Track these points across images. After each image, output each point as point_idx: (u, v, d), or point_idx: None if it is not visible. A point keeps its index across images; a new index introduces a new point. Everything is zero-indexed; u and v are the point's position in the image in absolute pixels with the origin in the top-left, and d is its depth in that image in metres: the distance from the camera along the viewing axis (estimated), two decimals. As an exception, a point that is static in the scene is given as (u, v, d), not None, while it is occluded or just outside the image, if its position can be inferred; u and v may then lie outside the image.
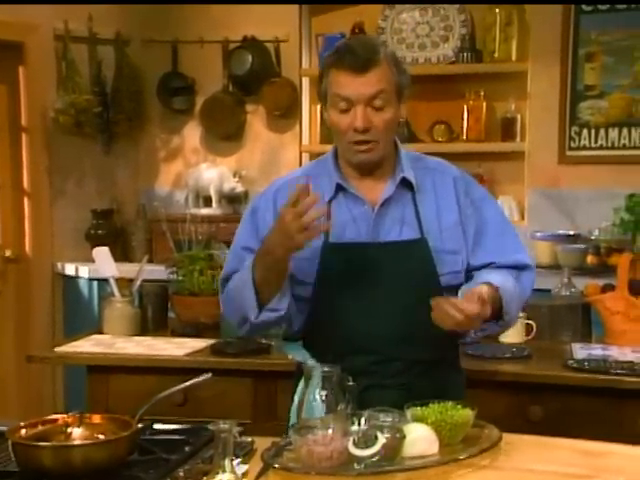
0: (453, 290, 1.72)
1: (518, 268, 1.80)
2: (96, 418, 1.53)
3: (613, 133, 3.47)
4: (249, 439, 1.55)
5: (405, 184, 1.75)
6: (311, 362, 1.65)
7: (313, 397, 1.53)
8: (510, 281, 1.74)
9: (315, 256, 1.70)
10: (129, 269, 3.01)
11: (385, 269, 1.70)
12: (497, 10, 3.56)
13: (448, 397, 1.56)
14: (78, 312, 3.69)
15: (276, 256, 1.59)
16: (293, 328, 1.79)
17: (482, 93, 3.59)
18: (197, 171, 3.75)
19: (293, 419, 1.65)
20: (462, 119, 3.60)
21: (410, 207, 1.73)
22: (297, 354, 1.75)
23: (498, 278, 1.71)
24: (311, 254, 1.69)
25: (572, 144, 3.52)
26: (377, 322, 1.69)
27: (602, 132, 3.48)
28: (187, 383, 1.59)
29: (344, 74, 1.66)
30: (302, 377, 1.63)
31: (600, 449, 1.49)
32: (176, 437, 1.58)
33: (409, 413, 1.50)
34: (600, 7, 3.45)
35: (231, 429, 1.25)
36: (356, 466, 1.38)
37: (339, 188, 1.74)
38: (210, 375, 1.63)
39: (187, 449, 1.51)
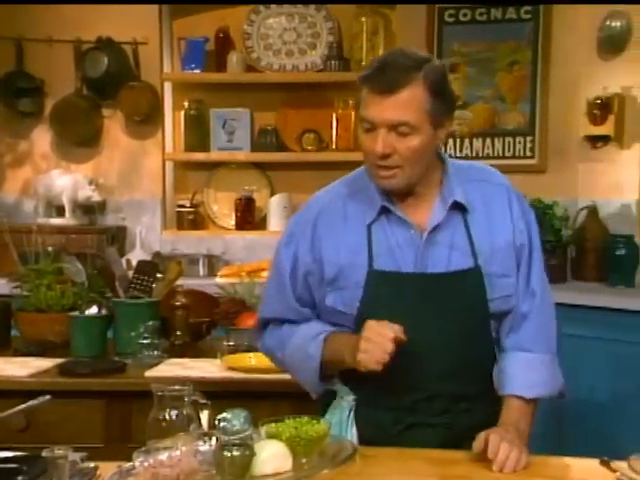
0: (502, 316, 1.64)
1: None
2: None
3: (477, 143, 3.53)
4: (92, 464, 1.46)
5: (455, 205, 1.61)
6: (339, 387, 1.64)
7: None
8: (535, 361, 1.63)
9: (359, 285, 1.60)
10: (-33, 284, 2.77)
11: (433, 302, 1.59)
12: (363, 19, 3.56)
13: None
14: None
15: (342, 357, 1.58)
16: None
17: (351, 102, 3.56)
18: (48, 178, 3.57)
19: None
20: (331, 128, 3.56)
21: (461, 230, 1.61)
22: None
23: (522, 378, 1.61)
24: (355, 283, 1.60)
25: (438, 154, 3.54)
26: (422, 358, 1.59)
27: (467, 142, 3.53)
28: (21, 407, 1.53)
29: (370, 94, 1.54)
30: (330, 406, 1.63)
31: (451, 457, 1.55)
32: (8, 466, 1.45)
33: (263, 430, 1.46)
34: (462, 18, 3.52)
35: (66, 455, 1.19)
36: None
37: (383, 210, 1.61)
38: (49, 397, 1.56)
39: (20, 479, 1.40)
